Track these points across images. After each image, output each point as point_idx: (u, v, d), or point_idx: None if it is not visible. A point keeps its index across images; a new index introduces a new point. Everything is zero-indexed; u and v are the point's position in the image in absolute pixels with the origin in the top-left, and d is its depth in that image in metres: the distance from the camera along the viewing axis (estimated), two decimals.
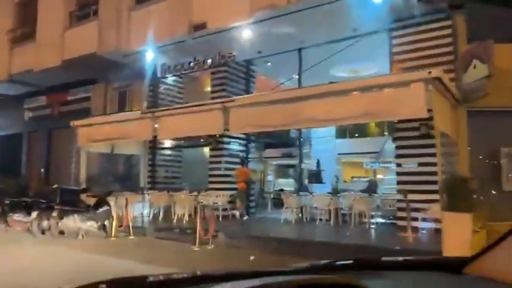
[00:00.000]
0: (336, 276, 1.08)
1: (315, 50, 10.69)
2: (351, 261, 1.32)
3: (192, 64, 11.20)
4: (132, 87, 13.97)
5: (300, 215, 10.32)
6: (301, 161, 11.82)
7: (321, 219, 10.00)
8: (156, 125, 9.70)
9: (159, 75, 12.20)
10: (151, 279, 1.04)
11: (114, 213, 9.06)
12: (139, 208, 11.46)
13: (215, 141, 11.67)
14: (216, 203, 10.97)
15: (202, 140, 13.13)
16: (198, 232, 7.95)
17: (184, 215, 10.60)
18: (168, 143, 13.53)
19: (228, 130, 8.49)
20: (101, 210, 8.94)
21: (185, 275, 1.08)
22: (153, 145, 13.27)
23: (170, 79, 13.57)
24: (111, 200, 9.24)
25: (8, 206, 9.76)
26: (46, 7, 13.63)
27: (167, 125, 9.44)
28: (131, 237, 9.08)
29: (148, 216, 11.48)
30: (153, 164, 13.37)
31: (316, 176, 11.71)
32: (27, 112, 16.49)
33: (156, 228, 9.76)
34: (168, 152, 13.75)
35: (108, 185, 12.56)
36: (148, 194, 11.99)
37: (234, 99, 8.41)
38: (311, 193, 10.80)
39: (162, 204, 11.52)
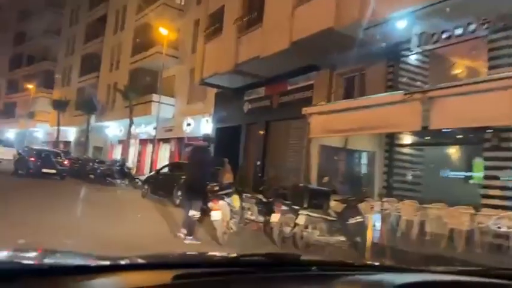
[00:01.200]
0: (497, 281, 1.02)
1: None
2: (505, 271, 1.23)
3: (472, 27, 7.84)
4: (364, 71, 11.61)
5: None
6: None
7: None
8: (425, 112, 6.94)
9: (413, 47, 9.32)
10: None
11: (368, 227, 6.74)
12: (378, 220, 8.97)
13: (497, 138, 8.07)
14: (500, 227, 7.52)
15: (460, 136, 9.67)
16: None
17: (457, 239, 7.49)
18: (409, 139, 10.59)
19: None
20: (352, 221, 6.74)
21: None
22: (391, 140, 10.55)
23: (412, 58, 10.62)
24: (364, 209, 6.95)
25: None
26: None
27: (448, 110, 6.54)
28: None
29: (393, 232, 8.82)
30: (389, 165, 10.66)
31: None
32: (247, 104, 16.31)
33: (418, 256, 6.98)
34: (407, 150, 10.79)
35: (338, 187, 10.54)
36: (388, 202, 9.34)
37: None
38: None
39: (411, 218, 8.74)
